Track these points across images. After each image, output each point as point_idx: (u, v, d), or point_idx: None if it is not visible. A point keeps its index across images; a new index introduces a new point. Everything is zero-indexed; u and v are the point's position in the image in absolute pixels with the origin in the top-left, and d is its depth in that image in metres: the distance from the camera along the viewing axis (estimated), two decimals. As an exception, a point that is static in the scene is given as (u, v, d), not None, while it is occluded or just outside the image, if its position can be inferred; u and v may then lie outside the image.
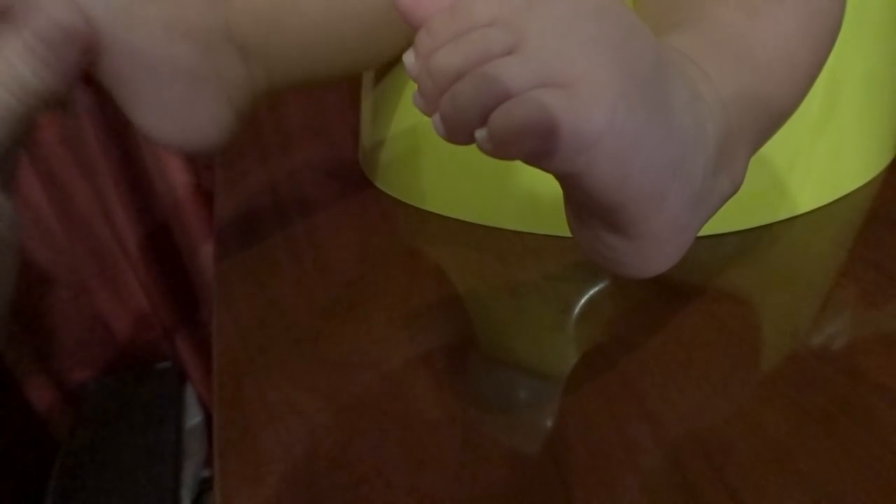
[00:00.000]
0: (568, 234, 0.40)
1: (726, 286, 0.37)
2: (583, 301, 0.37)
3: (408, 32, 0.47)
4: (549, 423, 0.29)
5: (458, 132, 0.20)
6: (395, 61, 0.49)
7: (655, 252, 0.24)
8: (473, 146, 0.21)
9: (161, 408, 0.94)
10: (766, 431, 0.27)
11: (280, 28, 0.39)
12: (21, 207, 0.83)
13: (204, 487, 0.92)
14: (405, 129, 0.49)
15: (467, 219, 0.46)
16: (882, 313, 0.34)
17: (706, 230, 0.39)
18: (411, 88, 0.49)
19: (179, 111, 0.36)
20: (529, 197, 0.43)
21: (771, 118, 0.29)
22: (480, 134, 0.19)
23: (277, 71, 0.40)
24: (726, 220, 0.41)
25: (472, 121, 0.19)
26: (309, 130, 0.66)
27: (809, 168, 0.42)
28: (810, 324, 0.34)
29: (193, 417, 0.97)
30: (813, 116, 0.41)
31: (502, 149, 0.19)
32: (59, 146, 0.83)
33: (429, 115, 0.21)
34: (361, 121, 0.56)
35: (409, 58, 0.21)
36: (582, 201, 0.22)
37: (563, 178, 0.21)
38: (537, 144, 0.19)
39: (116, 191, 0.89)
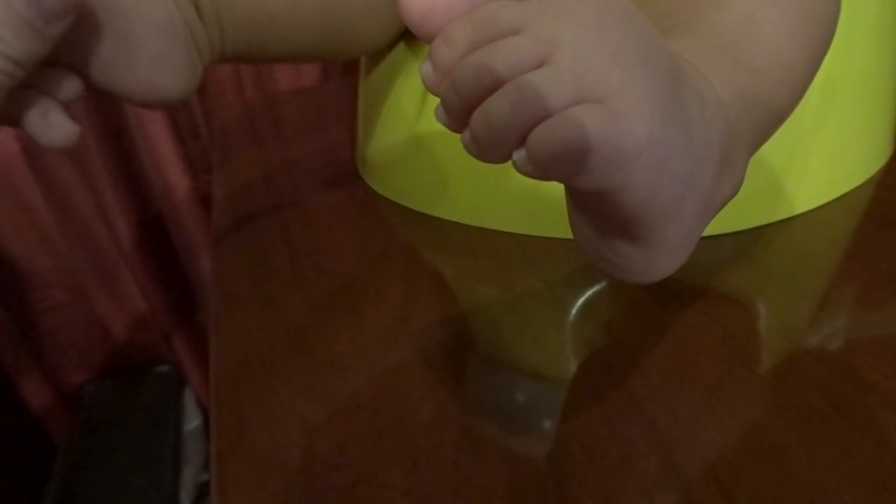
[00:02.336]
0: (564, 236, 0.40)
1: (722, 287, 0.37)
2: (579, 303, 0.37)
3: (381, 25, 0.46)
4: (545, 424, 0.29)
5: (493, 153, 0.19)
6: (389, 61, 0.49)
7: (666, 258, 0.24)
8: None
9: (160, 411, 0.94)
10: (761, 432, 0.27)
11: None
12: (18, 211, 0.83)
13: (203, 491, 0.91)
14: (401, 131, 0.49)
15: (464, 221, 0.46)
16: (877, 314, 0.34)
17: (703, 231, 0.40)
18: (405, 91, 0.49)
19: (156, 66, 0.33)
20: (526, 199, 0.43)
21: (769, 120, 0.29)
22: (519, 156, 0.18)
23: (229, 37, 0.38)
24: (723, 222, 0.41)
25: (508, 141, 0.18)
26: (306, 133, 0.66)
27: (806, 169, 0.42)
28: (806, 325, 0.34)
29: (192, 421, 0.97)
30: (809, 117, 0.41)
31: (543, 171, 0.18)
32: (57, 149, 0.83)
33: (456, 131, 0.20)
34: (358, 123, 0.56)
35: (426, 69, 0.20)
36: (606, 215, 0.22)
37: (589, 194, 0.20)
38: (579, 164, 0.18)
39: (114, 194, 0.89)
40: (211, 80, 0.88)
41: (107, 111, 0.83)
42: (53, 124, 0.31)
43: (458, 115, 0.19)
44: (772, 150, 0.39)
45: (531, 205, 0.43)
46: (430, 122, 0.45)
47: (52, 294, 0.91)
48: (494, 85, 0.18)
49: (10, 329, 0.89)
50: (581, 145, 0.17)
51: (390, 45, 0.49)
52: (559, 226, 0.40)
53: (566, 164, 0.18)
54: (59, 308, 0.92)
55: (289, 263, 0.44)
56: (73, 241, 0.89)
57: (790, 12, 0.28)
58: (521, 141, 0.18)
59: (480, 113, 0.18)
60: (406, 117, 0.48)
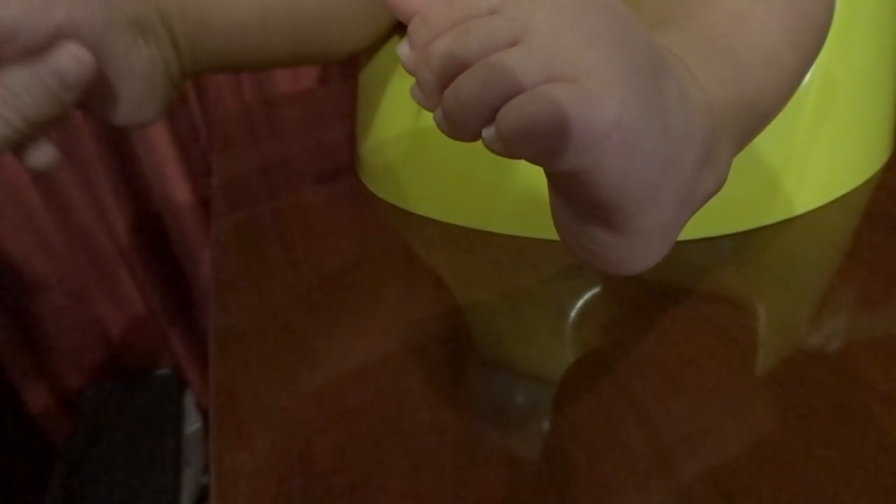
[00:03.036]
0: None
1: (721, 289, 0.37)
2: (577, 305, 0.37)
3: (359, 24, 0.47)
4: (543, 426, 0.29)
5: (463, 129, 0.19)
6: (385, 66, 0.50)
7: (645, 248, 0.24)
8: (468, 149, 0.20)
9: (160, 414, 0.94)
10: (760, 433, 0.27)
11: (205, 21, 0.40)
12: (18, 214, 0.83)
13: (204, 494, 0.91)
14: (399, 133, 0.49)
15: (461, 223, 0.46)
16: (876, 315, 0.34)
17: (701, 233, 0.40)
18: (403, 94, 0.49)
19: (138, 104, 0.38)
20: (523, 201, 0.43)
21: (755, 117, 0.29)
22: (488, 133, 0.18)
23: (203, 58, 0.41)
24: (721, 223, 0.41)
25: (478, 117, 0.18)
26: (304, 136, 0.66)
27: (804, 170, 0.43)
28: (804, 326, 0.34)
29: (193, 424, 0.97)
30: (807, 117, 0.41)
31: (511, 148, 0.18)
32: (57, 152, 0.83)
33: (430, 109, 0.20)
34: (356, 126, 0.56)
35: (403, 49, 0.20)
36: (581, 199, 0.22)
37: (563, 177, 0.21)
38: (548, 142, 0.18)
39: (114, 197, 0.89)
40: (210, 84, 0.88)
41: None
42: (40, 151, 0.33)
43: (432, 92, 0.20)
44: (770, 150, 0.39)
45: (529, 207, 0.43)
46: (428, 125, 0.45)
47: (52, 298, 0.91)
48: (468, 63, 0.18)
49: (11, 332, 0.90)
50: (550, 122, 0.17)
51: (386, 51, 0.49)
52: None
53: (534, 141, 0.18)
54: (60, 311, 0.92)
55: (288, 267, 0.44)
56: (73, 245, 0.89)
57: (780, 10, 0.28)
58: (492, 118, 0.18)
59: (452, 90, 0.19)
60: (404, 120, 0.48)
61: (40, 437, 0.97)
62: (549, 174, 0.22)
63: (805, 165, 0.43)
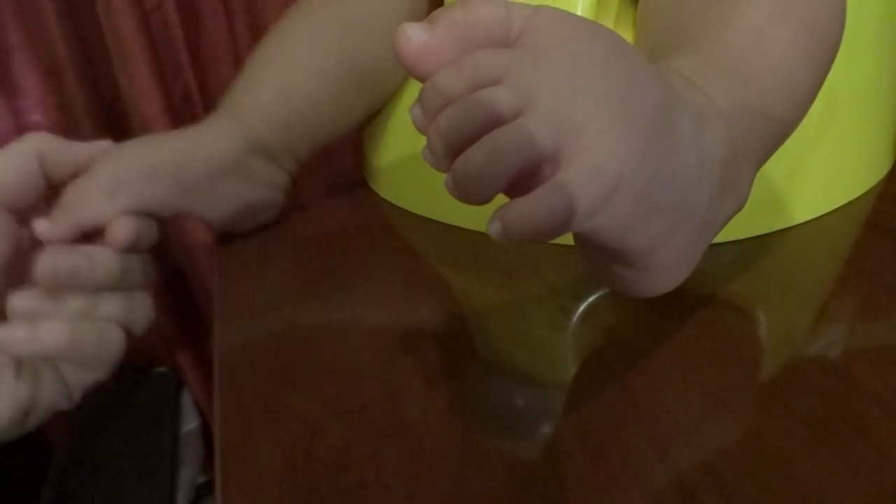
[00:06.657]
0: (567, 242, 0.40)
1: (724, 295, 0.37)
2: (581, 309, 0.37)
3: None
4: (547, 429, 0.29)
5: (472, 198, 0.19)
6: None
7: (663, 278, 0.25)
8: None
9: (158, 412, 0.94)
10: (762, 438, 0.27)
11: (292, 127, 0.46)
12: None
13: (200, 493, 0.91)
14: (406, 136, 0.49)
15: (467, 226, 0.46)
16: (877, 323, 0.34)
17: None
18: (411, 96, 0.49)
19: (254, 217, 0.48)
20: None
21: (774, 137, 0.29)
22: (494, 229, 0.19)
23: (302, 153, 0.48)
24: (724, 231, 0.41)
25: (486, 190, 0.19)
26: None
27: (807, 179, 0.43)
28: (807, 333, 0.34)
29: (189, 423, 0.96)
30: (810, 128, 0.42)
31: (517, 241, 0.19)
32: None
33: (441, 171, 0.21)
34: (364, 128, 0.56)
35: (416, 111, 0.21)
36: (595, 247, 0.23)
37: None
38: (550, 233, 0.19)
39: (116, 195, 0.89)
40: (214, 84, 0.88)
41: (111, 114, 0.83)
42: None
43: (441, 159, 0.20)
44: (773, 161, 0.39)
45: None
46: (434, 127, 0.45)
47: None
48: (474, 135, 0.19)
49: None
50: (549, 223, 0.18)
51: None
52: (562, 232, 0.40)
53: (537, 237, 0.19)
54: (59, 308, 0.92)
55: (293, 266, 0.44)
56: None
57: (797, 29, 0.29)
58: (501, 188, 0.19)
59: (462, 163, 0.19)
60: (411, 123, 0.48)
61: (36, 434, 0.97)
62: None
63: (807, 176, 0.43)
